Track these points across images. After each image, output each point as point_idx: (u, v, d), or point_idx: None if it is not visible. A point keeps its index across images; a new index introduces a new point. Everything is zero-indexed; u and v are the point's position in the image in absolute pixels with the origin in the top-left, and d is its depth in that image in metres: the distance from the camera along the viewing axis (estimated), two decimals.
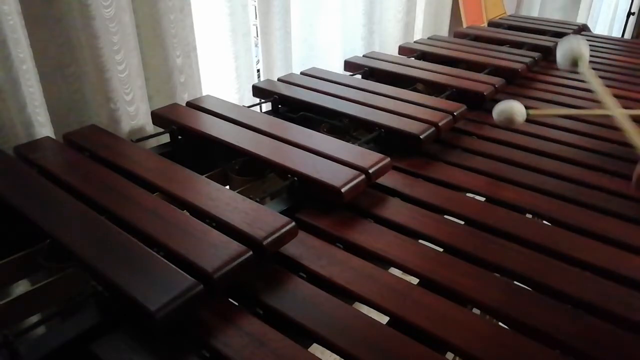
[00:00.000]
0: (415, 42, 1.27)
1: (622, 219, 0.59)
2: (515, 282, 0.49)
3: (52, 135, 0.70)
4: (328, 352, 0.41)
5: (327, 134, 0.72)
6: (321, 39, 1.23)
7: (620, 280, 0.49)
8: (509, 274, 0.50)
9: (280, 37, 1.08)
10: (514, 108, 0.74)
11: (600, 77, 1.10)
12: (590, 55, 1.28)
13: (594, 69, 1.16)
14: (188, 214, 0.50)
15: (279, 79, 0.93)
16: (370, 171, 0.60)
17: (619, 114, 0.59)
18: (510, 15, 1.74)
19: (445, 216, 0.59)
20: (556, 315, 0.44)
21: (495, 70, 1.03)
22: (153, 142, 0.78)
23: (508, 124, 0.75)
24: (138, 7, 0.78)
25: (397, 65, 1.05)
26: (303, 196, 0.59)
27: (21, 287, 0.56)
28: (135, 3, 0.78)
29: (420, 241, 0.54)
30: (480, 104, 0.90)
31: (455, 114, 0.78)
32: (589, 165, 0.71)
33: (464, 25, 1.72)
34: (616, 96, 0.98)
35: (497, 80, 0.94)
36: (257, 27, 1.13)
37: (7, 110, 0.64)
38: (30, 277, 0.52)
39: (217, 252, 0.44)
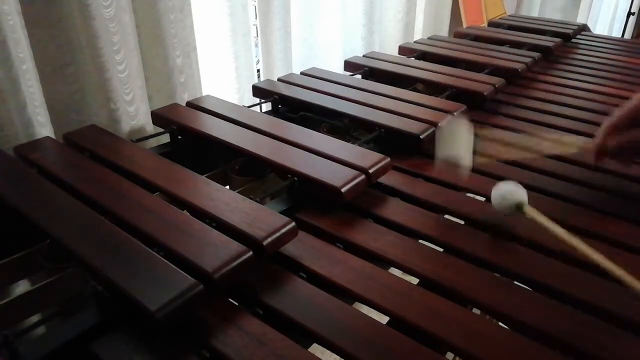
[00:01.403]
0: (415, 42, 1.27)
1: (622, 219, 0.59)
2: (515, 282, 0.49)
3: (52, 135, 0.70)
4: (328, 352, 0.41)
5: (327, 134, 0.72)
6: (321, 39, 1.23)
7: (620, 280, 0.49)
8: (509, 274, 0.50)
9: (280, 37, 1.08)
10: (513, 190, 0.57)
11: (601, 77, 1.11)
12: (591, 55, 1.29)
13: (594, 69, 1.17)
14: (188, 214, 0.50)
15: (279, 79, 0.93)
16: (370, 171, 0.60)
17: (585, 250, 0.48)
18: (510, 15, 1.74)
19: (445, 216, 0.59)
20: (556, 315, 0.44)
21: (495, 70, 1.03)
22: (153, 142, 0.78)
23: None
24: (138, 7, 0.78)
25: (397, 65, 1.05)
26: (303, 196, 0.59)
27: (21, 287, 0.56)
28: (135, 3, 0.78)
29: (420, 241, 0.54)
30: (480, 104, 0.90)
31: (455, 114, 0.78)
32: (589, 165, 0.71)
33: (464, 25, 1.72)
34: (616, 96, 0.99)
35: (497, 80, 0.94)
36: (257, 27, 1.13)
37: (7, 110, 0.64)
38: (30, 277, 0.52)
39: (217, 252, 0.44)
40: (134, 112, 0.79)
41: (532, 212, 0.53)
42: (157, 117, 0.76)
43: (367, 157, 0.62)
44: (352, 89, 0.89)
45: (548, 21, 1.58)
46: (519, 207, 0.53)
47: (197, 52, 0.89)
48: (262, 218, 0.49)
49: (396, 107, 0.80)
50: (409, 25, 1.44)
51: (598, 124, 0.85)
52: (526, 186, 0.65)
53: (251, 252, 0.44)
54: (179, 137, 0.72)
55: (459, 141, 0.61)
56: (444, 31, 1.71)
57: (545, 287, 0.48)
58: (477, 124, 0.84)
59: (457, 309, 0.44)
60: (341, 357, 0.40)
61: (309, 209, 0.58)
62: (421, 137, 0.71)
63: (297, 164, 0.60)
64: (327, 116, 0.80)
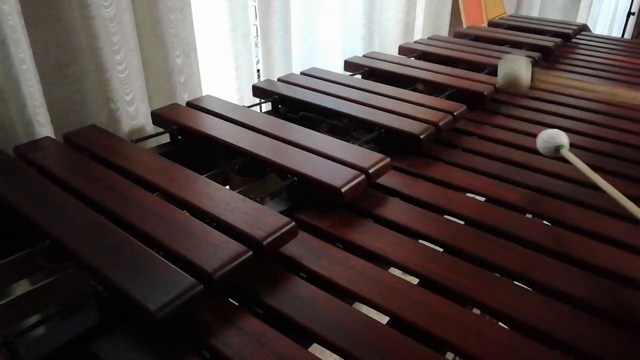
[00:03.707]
0: (415, 42, 1.27)
1: (622, 219, 0.59)
2: (515, 282, 0.49)
3: (52, 135, 0.70)
4: (328, 352, 0.41)
5: (327, 134, 0.72)
6: (321, 39, 1.23)
7: (620, 280, 0.49)
8: (509, 274, 0.50)
9: (280, 37, 1.08)
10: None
11: (601, 77, 1.11)
12: (591, 55, 1.29)
13: (594, 69, 1.17)
14: (188, 214, 0.50)
15: (279, 79, 0.93)
16: (370, 171, 0.60)
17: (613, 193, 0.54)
18: (510, 15, 1.75)
19: (445, 216, 0.59)
20: (556, 315, 0.44)
21: (495, 70, 1.03)
22: (153, 142, 0.78)
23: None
24: (138, 7, 0.78)
25: (397, 65, 1.05)
26: (303, 196, 0.59)
27: (21, 287, 0.56)
28: (135, 3, 0.78)
29: (420, 241, 0.54)
30: (480, 104, 0.90)
31: (455, 114, 0.78)
32: (589, 165, 0.71)
33: (464, 25, 1.72)
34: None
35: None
36: (257, 27, 1.13)
37: (7, 110, 0.64)
38: (30, 277, 0.52)
39: (217, 252, 0.44)
40: (134, 112, 0.79)
41: (568, 154, 0.62)
42: (157, 117, 0.76)
43: (367, 157, 0.62)
44: (352, 89, 0.89)
45: (548, 21, 1.58)
46: (557, 149, 0.64)
47: (197, 52, 0.89)
48: (262, 218, 0.49)
49: (396, 107, 0.80)
50: (409, 25, 1.44)
51: (598, 124, 0.85)
52: (529, 187, 0.65)
53: (251, 252, 0.44)
54: (179, 137, 0.72)
55: (519, 66, 0.75)
56: (444, 31, 1.71)
57: (546, 287, 0.48)
58: (477, 123, 0.85)
59: (457, 309, 0.44)
60: (341, 357, 0.40)
61: (309, 209, 0.58)
62: (421, 137, 0.71)
63: (297, 164, 0.60)
64: (327, 116, 0.80)
